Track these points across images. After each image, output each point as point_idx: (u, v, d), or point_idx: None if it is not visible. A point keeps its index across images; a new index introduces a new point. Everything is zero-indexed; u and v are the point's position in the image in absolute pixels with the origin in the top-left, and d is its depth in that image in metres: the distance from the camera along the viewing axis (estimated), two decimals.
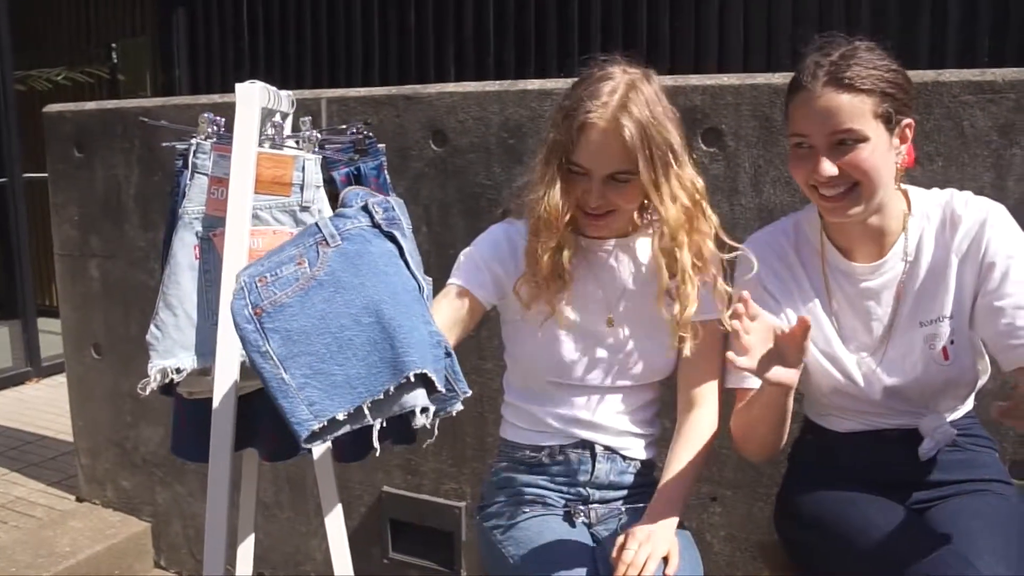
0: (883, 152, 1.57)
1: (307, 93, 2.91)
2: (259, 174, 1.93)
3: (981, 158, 2.10)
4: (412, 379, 1.46)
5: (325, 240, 1.55)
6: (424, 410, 1.49)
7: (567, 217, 1.72)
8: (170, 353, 1.97)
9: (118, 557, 3.28)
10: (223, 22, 3.67)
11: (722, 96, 2.36)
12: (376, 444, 1.50)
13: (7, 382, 5.26)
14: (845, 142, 1.55)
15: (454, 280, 1.82)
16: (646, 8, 2.87)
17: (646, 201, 1.75)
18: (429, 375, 1.47)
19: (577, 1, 2.96)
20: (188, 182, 2.00)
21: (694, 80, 2.41)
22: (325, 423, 1.44)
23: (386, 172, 2.19)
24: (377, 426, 1.48)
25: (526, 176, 1.83)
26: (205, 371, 1.96)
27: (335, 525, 2.17)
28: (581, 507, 1.84)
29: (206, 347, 1.95)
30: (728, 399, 1.86)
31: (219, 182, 1.96)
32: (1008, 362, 1.59)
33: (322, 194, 2.00)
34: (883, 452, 1.75)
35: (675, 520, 1.71)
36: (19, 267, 5.23)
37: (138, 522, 3.39)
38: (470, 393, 1.58)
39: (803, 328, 1.47)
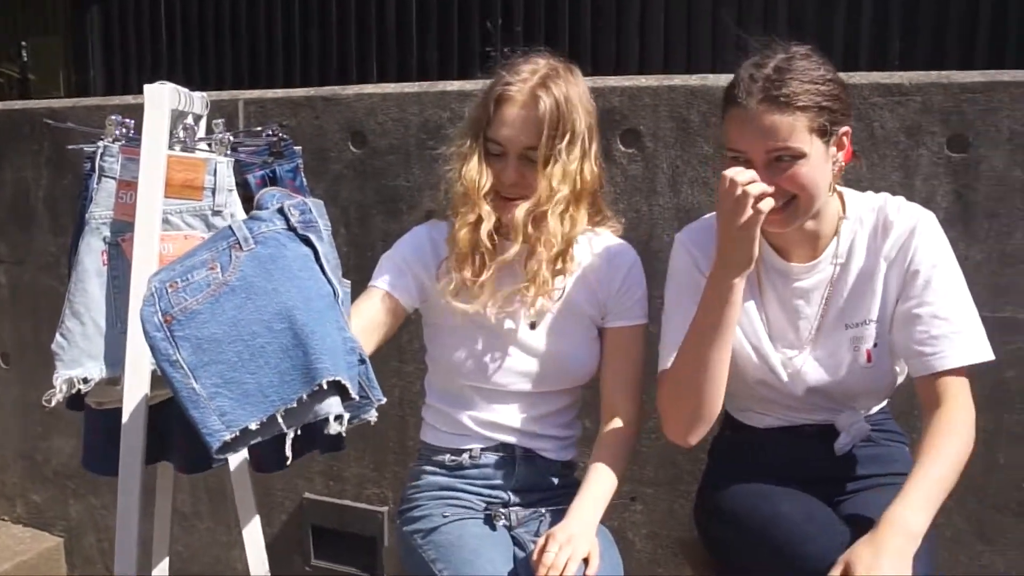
0: (820, 165, 1.57)
1: (224, 94, 2.85)
2: (169, 178, 1.88)
3: (890, 158, 2.15)
4: (325, 386, 1.44)
5: (239, 243, 1.53)
6: (338, 417, 1.47)
7: (485, 189, 1.72)
8: (77, 363, 1.91)
9: (28, 574, 3.17)
10: (139, 21, 3.59)
11: (640, 97, 2.38)
12: (288, 453, 1.48)
13: None
14: (782, 159, 1.55)
15: (376, 283, 1.81)
16: (568, 9, 2.88)
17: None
18: (343, 382, 1.46)
19: (500, 2, 2.96)
20: (95, 186, 1.95)
21: (612, 81, 2.42)
22: (237, 433, 1.42)
23: (303, 175, 2.16)
24: (291, 435, 1.46)
25: (446, 150, 1.84)
26: (114, 381, 1.91)
27: (253, 536, 2.13)
28: (502, 510, 1.83)
29: (115, 356, 1.89)
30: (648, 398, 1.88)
31: (127, 186, 1.91)
32: (916, 369, 1.64)
33: (235, 198, 1.96)
34: (801, 447, 1.78)
35: (596, 521, 1.71)
36: None
37: (50, 537, 3.29)
38: (384, 400, 1.57)
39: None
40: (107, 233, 1.93)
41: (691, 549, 2.08)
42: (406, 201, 2.62)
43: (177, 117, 1.97)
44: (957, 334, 1.61)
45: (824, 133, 1.56)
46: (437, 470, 1.87)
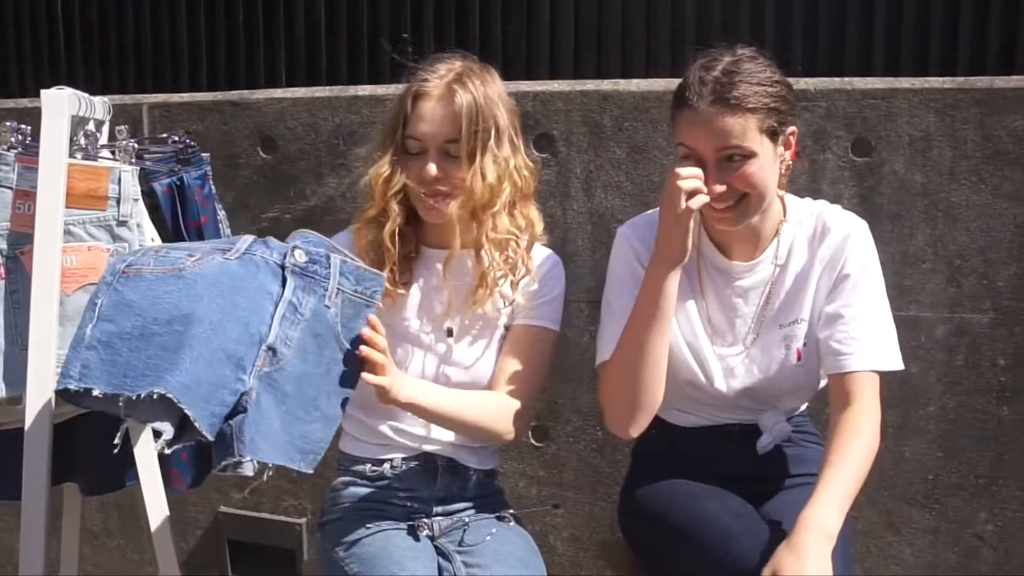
0: (769, 164, 1.62)
1: (127, 98, 2.77)
2: (71, 187, 1.81)
3: (798, 162, 2.20)
4: (156, 397, 1.40)
5: (227, 251, 1.55)
6: (160, 435, 1.46)
7: (396, 188, 1.72)
8: None
9: None
10: (35, 18, 3.45)
11: (553, 102, 2.39)
12: (117, 441, 1.46)
13: None
14: (733, 158, 1.59)
15: None
16: (479, 13, 2.87)
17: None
18: (182, 407, 1.40)
19: (410, 5, 2.93)
20: None
21: (525, 86, 2.43)
22: (81, 389, 1.42)
23: (211, 182, 2.10)
24: (122, 430, 1.46)
25: (362, 150, 1.85)
26: (14, 400, 1.83)
27: (166, 553, 2.07)
28: (425, 520, 1.82)
29: (15, 375, 1.81)
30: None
31: (25, 196, 1.83)
32: (830, 366, 1.70)
33: (141, 207, 1.90)
34: (723, 447, 1.81)
35: None
36: None
37: None
38: (252, 464, 1.50)
39: None
40: (4, 246, 1.84)
41: (613, 551, 2.10)
42: (319, 208, 2.59)
43: (78, 123, 1.89)
44: (874, 339, 1.68)
45: (773, 133, 1.61)
46: (358, 481, 1.85)
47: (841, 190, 2.24)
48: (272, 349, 1.52)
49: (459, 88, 1.69)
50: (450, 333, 1.82)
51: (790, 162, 1.69)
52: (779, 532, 1.57)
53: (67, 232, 1.82)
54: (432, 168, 1.70)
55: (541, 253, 1.87)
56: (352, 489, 1.85)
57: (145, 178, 1.97)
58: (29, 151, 1.84)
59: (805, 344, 1.75)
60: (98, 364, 1.42)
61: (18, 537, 1.81)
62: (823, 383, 1.82)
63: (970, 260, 2.22)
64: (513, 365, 1.81)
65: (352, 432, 1.88)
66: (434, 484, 1.83)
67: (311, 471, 1.58)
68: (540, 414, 2.51)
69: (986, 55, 2.49)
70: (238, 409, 1.48)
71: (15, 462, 1.79)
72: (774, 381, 1.77)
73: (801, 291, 1.74)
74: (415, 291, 1.81)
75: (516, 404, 1.78)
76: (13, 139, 1.85)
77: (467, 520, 1.83)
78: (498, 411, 1.77)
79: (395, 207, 1.73)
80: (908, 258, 2.25)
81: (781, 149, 1.65)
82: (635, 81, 2.46)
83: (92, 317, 1.45)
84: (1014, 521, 2.29)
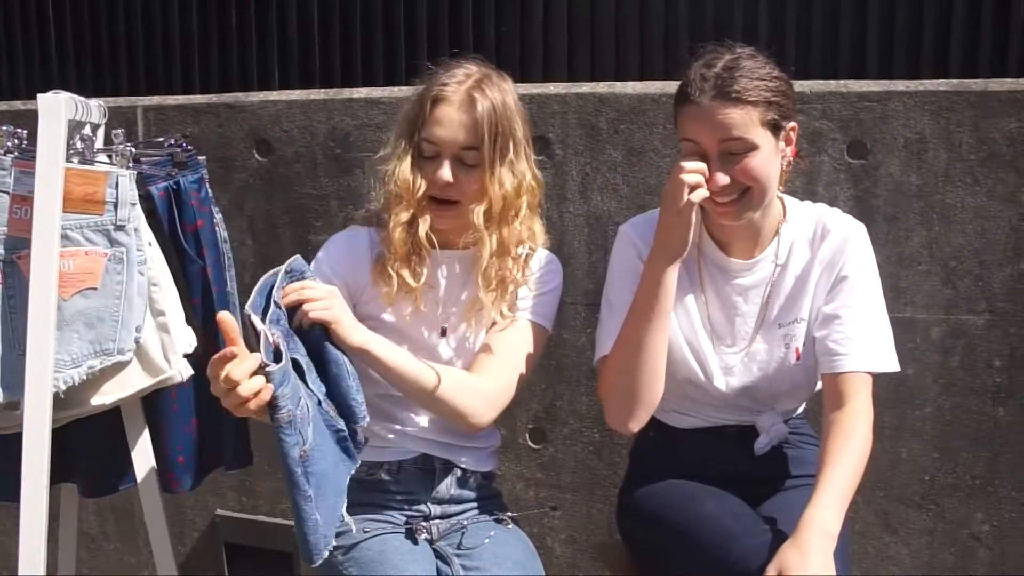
0: (771, 157, 1.63)
1: (122, 101, 2.77)
2: (68, 191, 1.81)
3: (794, 165, 2.20)
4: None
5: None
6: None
7: (420, 191, 1.71)
8: None
9: None
10: (26, 18, 3.43)
11: (549, 105, 2.39)
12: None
13: None
14: (736, 151, 1.60)
15: None
16: (472, 13, 2.87)
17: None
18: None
19: (403, 5, 2.93)
20: None
21: (520, 89, 2.41)
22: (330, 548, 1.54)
23: (208, 186, 2.10)
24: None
25: (381, 151, 1.81)
26: (13, 405, 1.82)
27: (163, 556, 2.07)
28: (423, 523, 1.81)
29: (12, 379, 1.81)
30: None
31: (23, 200, 1.82)
32: (825, 366, 1.71)
33: (138, 212, 1.89)
34: (721, 448, 1.82)
35: None
36: None
37: None
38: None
39: None
40: (1, 250, 1.84)
41: (610, 553, 2.10)
42: (314, 210, 2.58)
43: (74, 127, 1.89)
44: (870, 340, 1.69)
45: (775, 127, 1.62)
46: (355, 484, 1.84)
47: (837, 192, 2.25)
48: (319, 402, 1.58)
49: (479, 96, 1.69)
50: (443, 332, 1.82)
51: (791, 158, 1.70)
52: (778, 533, 1.58)
53: (64, 237, 1.81)
54: (446, 172, 1.70)
55: (539, 252, 1.88)
56: (350, 493, 1.82)
57: (142, 182, 1.96)
58: (26, 155, 1.84)
59: (804, 343, 1.76)
60: (328, 526, 1.53)
61: (15, 540, 1.80)
62: (818, 387, 1.83)
63: (965, 262, 2.23)
64: (493, 351, 1.79)
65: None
66: (432, 486, 1.83)
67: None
68: (537, 416, 2.51)
69: (978, 57, 2.51)
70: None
71: (13, 466, 1.79)
72: (773, 380, 1.78)
73: (801, 291, 1.75)
74: (433, 287, 1.82)
75: (487, 388, 1.75)
76: (9, 143, 1.84)
77: (465, 523, 1.83)
78: (465, 389, 1.72)
79: (424, 209, 1.73)
80: (904, 260, 2.25)
81: (783, 144, 1.67)
82: (631, 84, 2.46)
83: (312, 506, 1.48)
84: (1010, 521, 2.30)
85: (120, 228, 1.86)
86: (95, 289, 1.85)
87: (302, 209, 2.59)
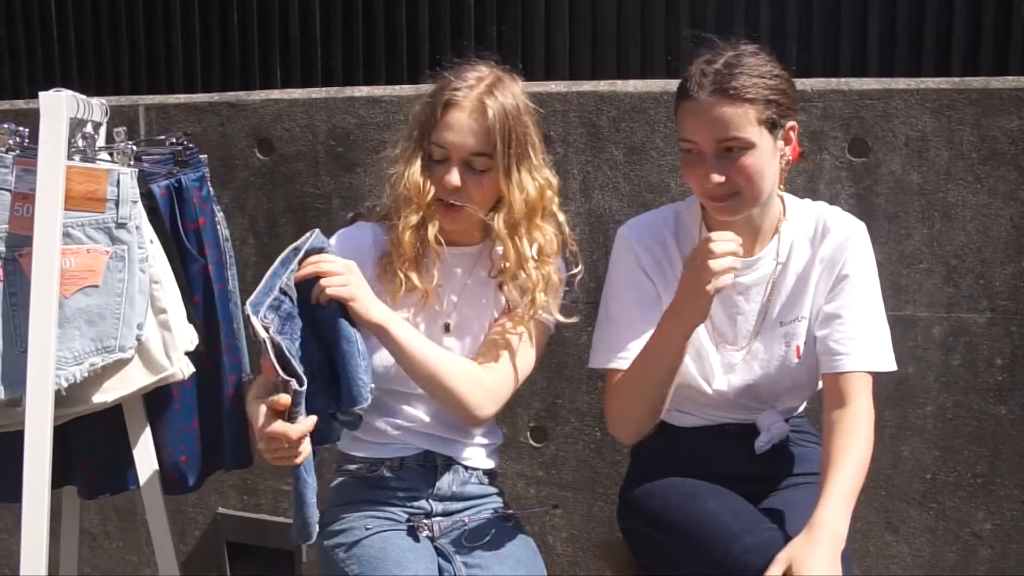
0: (768, 156, 1.62)
1: (123, 99, 2.77)
2: (70, 189, 1.81)
3: (797, 164, 2.21)
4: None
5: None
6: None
7: (429, 194, 1.71)
8: None
9: None
10: (28, 17, 3.44)
11: (550, 103, 2.39)
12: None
13: None
14: (732, 149, 1.60)
15: None
16: (473, 12, 2.87)
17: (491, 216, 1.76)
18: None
19: (405, 5, 2.94)
20: None
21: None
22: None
23: (209, 184, 2.10)
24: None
25: (388, 151, 1.82)
26: (14, 402, 1.82)
27: (165, 555, 2.07)
28: (424, 520, 1.81)
29: (14, 376, 1.81)
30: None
31: (24, 198, 1.82)
32: (826, 365, 1.71)
33: (140, 209, 1.89)
34: (722, 446, 1.82)
35: None
36: None
37: None
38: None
39: None
40: (2, 248, 1.84)
41: (611, 552, 2.09)
42: (315, 209, 2.59)
43: (76, 125, 1.89)
44: (870, 340, 1.70)
45: (772, 126, 1.61)
46: (357, 481, 1.85)
47: (838, 190, 2.25)
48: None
49: (491, 101, 1.69)
50: (447, 328, 1.83)
51: (791, 157, 1.69)
52: (779, 531, 1.58)
53: (66, 234, 1.82)
54: (455, 177, 1.70)
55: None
56: (351, 490, 1.85)
57: (143, 180, 1.96)
58: (27, 153, 1.84)
59: (805, 342, 1.76)
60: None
61: (16, 539, 1.80)
62: (819, 385, 1.83)
63: (967, 260, 2.23)
64: (499, 346, 1.80)
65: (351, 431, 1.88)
66: (433, 483, 1.83)
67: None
68: (539, 414, 2.51)
69: (979, 55, 2.51)
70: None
71: (14, 464, 1.79)
72: (774, 379, 1.78)
73: (802, 289, 1.75)
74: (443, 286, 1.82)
75: (492, 381, 1.77)
76: (11, 141, 1.84)
77: (467, 520, 1.83)
78: (473, 380, 1.74)
79: (432, 212, 1.73)
80: (905, 258, 2.25)
81: (781, 143, 1.66)
82: (632, 82, 2.46)
83: (314, 500, 1.58)
84: (1012, 520, 2.30)
85: (122, 226, 1.86)
86: (96, 287, 1.85)
87: (303, 207, 2.59)
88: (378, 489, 1.83)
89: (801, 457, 1.84)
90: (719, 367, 1.79)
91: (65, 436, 1.91)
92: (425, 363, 1.69)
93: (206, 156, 2.10)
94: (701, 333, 1.78)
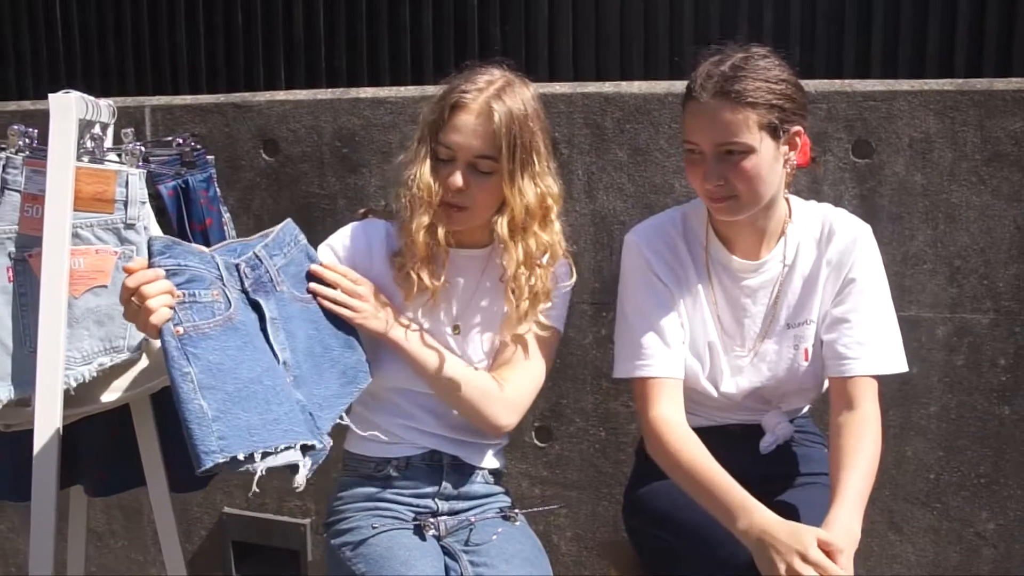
0: (769, 161, 1.62)
1: (130, 101, 2.78)
2: (79, 190, 1.82)
3: (814, 166, 2.21)
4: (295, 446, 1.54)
5: (223, 281, 1.57)
6: (295, 468, 1.55)
7: (439, 197, 1.72)
8: None
9: None
10: (34, 19, 3.45)
11: (555, 104, 2.40)
12: (255, 488, 1.51)
13: None
14: (732, 152, 1.60)
15: None
16: (476, 13, 2.88)
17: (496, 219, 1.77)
18: (311, 443, 1.56)
19: (408, 5, 2.94)
20: None
21: None
22: (228, 459, 1.45)
23: (216, 185, 2.11)
24: (259, 474, 1.49)
25: (402, 156, 1.82)
26: (24, 402, 1.83)
27: (172, 554, 2.08)
28: (431, 520, 1.82)
29: (24, 376, 1.82)
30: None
31: (34, 199, 1.83)
32: (834, 369, 1.72)
33: (148, 210, 1.90)
34: (727, 447, 1.81)
35: None
36: None
37: None
38: (331, 443, 1.64)
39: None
40: (12, 248, 1.85)
41: (615, 551, 2.10)
42: (321, 210, 2.60)
43: (84, 126, 1.90)
44: (879, 343, 1.70)
45: (774, 131, 1.61)
46: (363, 480, 1.86)
47: (842, 191, 2.26)
48: (284, 363, 1.63)
49: (498, 105, 1.69)
50: (456, 330, 1.84)
51: (797, 163, 1.69)
52: None
53: (75, 235, 1.82)
54: (458, 178, 1.70)
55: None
56: (358, 489, 1.86)
57: (151, 181, 1.97)
58: (37, 154, 1.84)
59: (813, 345, 1.77)
60: (229, 431, 1.46)
61: (22, 538, 1.81)
62: (825, 387, 1.83)
63: (970, 261, 2.23)
64: (516, 357, 1.82)
65: (358, 429, 1.88)
66: (440, 483, 1.84)
67: (370, 379, 1.77)
68: (543, 414, 2.52)
69: (983, 57, 2.51)
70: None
71: (23, 463, 1.80)
72: (782, 381, 1.79)
73: (810, 292, 1.76)
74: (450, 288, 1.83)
75: (514, 393, 1.80)
76: (21, 142, 1.85)
77: (473, 519, 1.84)
78: (493, 395, 1.78)
79: (442, 213, 1.74)
80: (909, 259, 2.26)
81: (785, 148, 1.65)
82: (636, 83, 2.47)
83: (193, 388, 1.45)
84: (1015, 520, 2.30)
85: (130, 227, 1.87)
86: (105, 287, 1.85)
87: (309, 208, 2.60)
88: (384, 488, 1.84)
89: (806, 457, 1.85)
90: (727, 370, 1.79)
91: (73, 435, 1.92)
92: (447, 382, 1.76)
93: (213, 157, 2.11)
94: (712, 336, 1.78)
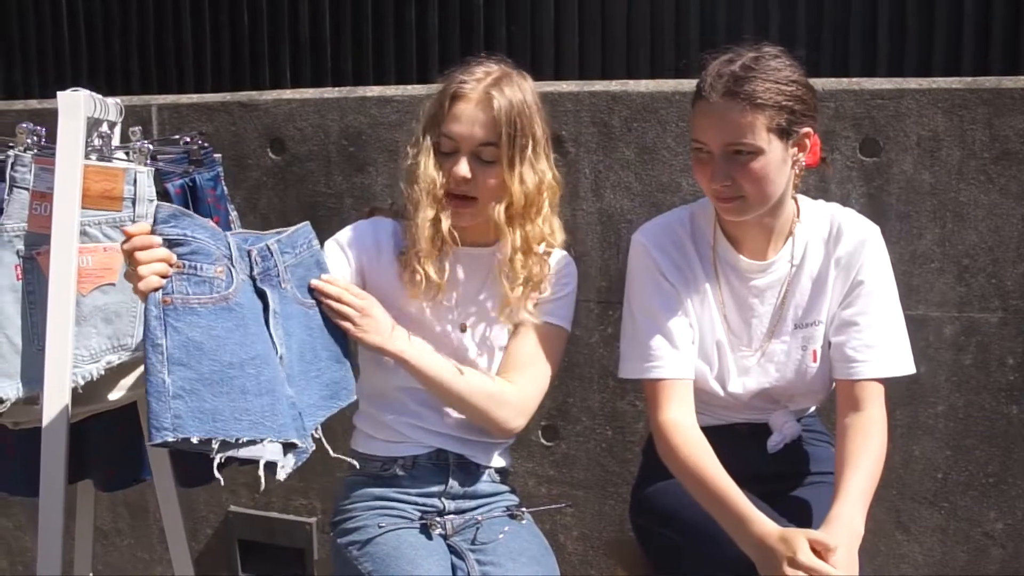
0: (777, 163, 1.61)
1: (136, 100, 2.78)
2: (87, 188, 1.82)
3: (823, 166, 2.20)
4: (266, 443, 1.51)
5: (231, 263, 1.54)
6: (270, 465, 1.53)
7: (443, 189, 1.73)
8: None
9: None
10: (40, 18, 3.46)
11: (562, 103, 2.40)
12: (217, 475, 1.50)
13: None
14: (740, 152, 1.59)
15: None
16: (483, 12, 2.88)
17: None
18: (292, 440, 1.54)
19: (415, 4, 2.94)
20: (6, 197, 1.86)
21: None
22: (178, 439, 1.42)
23: (223, 183, 2.11)
24: (218, 460, 1.48)
25: (406, 149, 1.83)
26: (32, 400, 1.83)
27: (179, 552, 2.08)
28: (437, 519, 1.82)
29: (32, 374, 1.82)
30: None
31: (42, 197, 1.83)
32: (842, 371, 1.72)
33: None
34: (734, 446, 1.81)
35: None
36: None
37: None
38: (313, 448, 1.63)
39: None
40: (20, 246, 1.85)
41: (622, 550, 2.10)
42: (327, 208, 2.60)
43: (92, 125, 1.90)
44: (887, 346, 1.70)
45: (783, 132, 1.60)
46: (370, 479, 1.86)
47: (849, 190, 2.26)
48: (280, 357, 1.61)
49: (497, 93, 1.70)
50: (464, 328, 1.84)
51: (805, 164, 1.68)
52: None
53: (83, 233, 1.83)
54: (464, 168, 1.71)
55: (555, 253, 1.88)
56: (364, 488, 1.86)
57: (159, 179, 1.97)
58: (45, 152, 1.85)
59: (822, 346, 1.76)
60: (187, 412, 1.43)
61: (29, 535, 1.82)
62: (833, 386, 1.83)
63: (978, 259, 2.23)
64: (523, 358, 1.82)
65: (365, 429, 1.89)
66: (446, 482, 1.84)
67: (354, 398, 1.76)
68: (550, 413, 2.52)
69: (989, 55, 2.51)
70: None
71: (32, 461, 1.80)
72: (791, 382, 1.78)
73: (819, 293, 1.75)
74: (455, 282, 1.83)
75: (521, 395, 1.80)
76: (29, 140, 1.86)
77: (480, 518, 1.84)
78: (501, 397, 1.78)
79: (446, 206, 1.74)
80: (917, 258, 2.26)
81: (794, 150, 1.64)
82: (644, 82, 2.47)
83: (162, 361, 1.42)
84: None
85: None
86: (113, 285, 1.86)
87: (315, 207, 2.60)
88: (391, 487, 1.84)
89: (814, 456, 1.85)
90: (734, 370, 1.79)
91: (81, 433, 1.92)
92: (452, 391, 1.76)
93: (220, 155, 2.11)
94: (720, 335, 1.78)
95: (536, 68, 2.80)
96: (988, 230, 2.22)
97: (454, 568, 1.73)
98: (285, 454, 1.55)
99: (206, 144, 2.09)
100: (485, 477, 1.88)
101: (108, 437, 2.05)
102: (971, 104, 2.19)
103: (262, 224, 2.62)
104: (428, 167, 1.73)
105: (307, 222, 1.74)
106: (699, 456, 1.66)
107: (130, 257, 1.44)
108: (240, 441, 1.47)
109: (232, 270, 1.53)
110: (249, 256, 1.61)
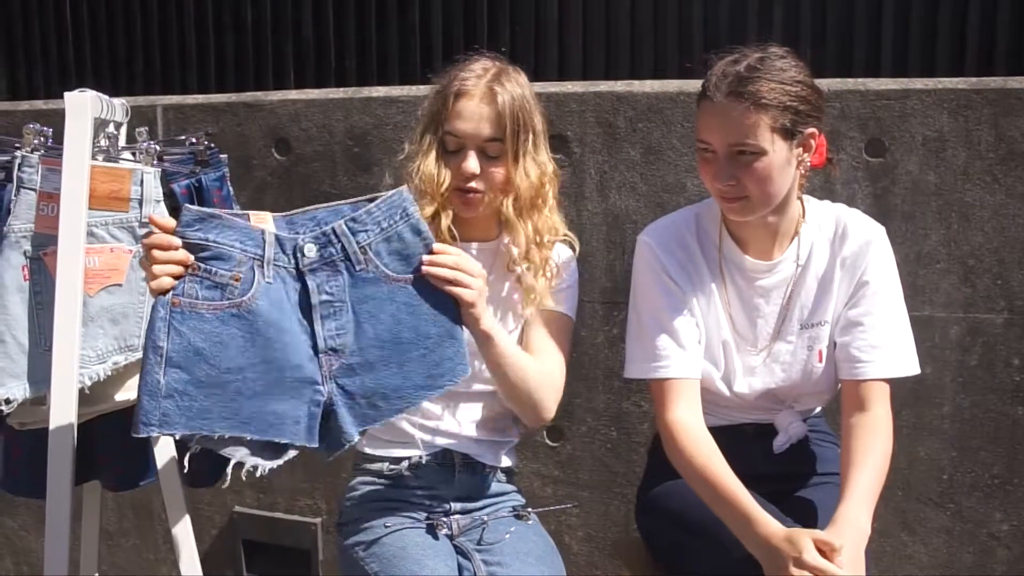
0: (781, 163, 1.61)
1: (142, 100, 2.79)
2: (94, 189, 1.83)
3: (829, 167, 2.20)
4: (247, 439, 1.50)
5: (262, 263, 1.50)
6: (240, 465, 1.52)
7: (444, 186, 1.73)
8: None
9: None
10: (44, 19, 3.46)
11: (567, 103, 2.40)
12: (227, 472, 1.51)
13: None
14: (744, 153, 1.59)
15: None
16: (487, 12, 2.88)
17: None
18: (279, 441, 1.52)
19: (418, 5, 2.95)
20: (13, 198, 1.87)
21: (538, 87, 2.42)
22: (161, 436, 1.46)
23: (229, 184, 2.12)
24: (191, 451, 1.49)
25: (406, 148, 1.83)
26: (39, 400, 1.84)
27: (187, 552, 2.08)
28: (443, 519, 1.82)
29: (39, 375, 1.82)
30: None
31: (49, 198, 1.84)
32: (847, 372, 1.72)
33: (162, 209, 1.91)
34: (740, 446, 1.81)
35: None
36: None
37: None
38: (357, 439, 1.59)
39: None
40: (28, 247, 1.85)
41: (628, 550, 2.10)
42: None
43: (99, 125, 1.91)
44: (892, 346, 1.70)
45: (787, 133, 1.59)
46: (375, 480, 1.86)
47: (855, 190, 2.26)
48: (332, 350, 1.55)
49: (499, 89, 1.72)
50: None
51: (811, 165, 1.68)
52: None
53: (90, 233, 1.83)
54: (473, 164, 1.72)
55: (556, 246, 1.89)
56: (370, 488, 1.86)
57: (165, 180, 1.98)
58: (52, 153, 1.85)
59: (827, 346, 1.76)
60: (176, 411, 1.44)
61: (34, 536, 1.82)
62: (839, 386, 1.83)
63: (984, 260, 2.23)
64: (544, 346, 1.81)
65: (371, 430, 1.88)
66: (452, 482, 1.84)
67: (468, 372, 1.62)
68: (555, 413, 2.51)
69: (994, 55, 2.50)
70: (329, 411, 1.55)
71: (38, 462, 1.80)
72: (796, 382, 1.78)
73: (825, 293, 1.75)
74: None
75: (558, 381, 1.80)
76: (36, 141, 1.86)
77: (486, 518, 1.84)
78: (549, 381, 1.77)
79: (448, 203, 1.75)
80: (922, 258, 2.26)
81: (799, 150, 1.64)
82: (649, 82, 2.47)
83: (159, 362, 1.43)
84: None
85: (145, 225, 1.87)
86: (120, 286, 1.87)
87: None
88: (397, 488, 1.84)
89: (820, 457, 1.85)
90: (740, 370, 1.79)
91: (89, 432, 1.92)
92: (518, 372, 1.71)
93: (226, 156, 2.12)
94: (727, 335, 1.78)
95: (540, 68, 2.81)
96: (994, 231, 2.21)
97: (460, 568, 1.73)
98: (277, 456, 1.54)
99: (212, 145, 2.09)
100: (491, 477, 1.88)
101: (117, 436, 2.05)
102: (976, 104, 2.19)
103: None
104: (428, 165, 1.74)
105: (403, 187, 1.59)
106: (706, 456, 1.66)
107: (148, 253, 1.45)
108: (221, 437, 1.47)
109: (257, 272, 1.49)
110: (294, 251, 1.53)
